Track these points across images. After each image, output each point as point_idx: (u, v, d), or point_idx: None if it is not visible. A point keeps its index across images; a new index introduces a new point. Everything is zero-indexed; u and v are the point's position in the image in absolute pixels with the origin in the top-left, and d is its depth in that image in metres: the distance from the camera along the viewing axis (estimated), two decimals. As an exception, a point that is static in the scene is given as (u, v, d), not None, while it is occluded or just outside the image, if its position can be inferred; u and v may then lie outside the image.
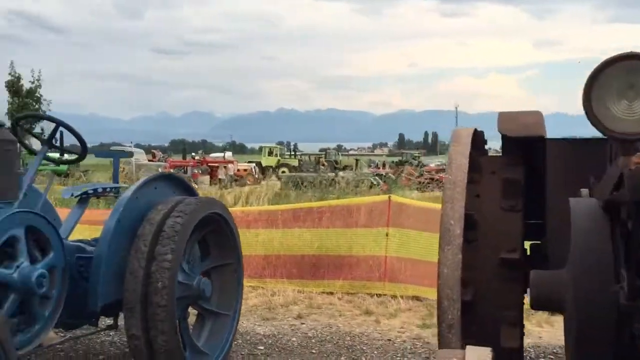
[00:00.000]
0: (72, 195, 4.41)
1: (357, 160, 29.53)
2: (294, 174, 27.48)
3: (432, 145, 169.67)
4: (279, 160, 46.47)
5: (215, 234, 4.34)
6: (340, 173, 26.26)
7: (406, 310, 5.75)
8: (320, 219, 6.88)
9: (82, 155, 4.23)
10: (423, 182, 25.60)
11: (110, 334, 4.86)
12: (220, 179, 28.60)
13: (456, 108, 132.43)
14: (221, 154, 44.44)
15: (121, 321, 4.29)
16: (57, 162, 4.48)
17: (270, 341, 4.87)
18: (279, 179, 29.70)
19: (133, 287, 3.61)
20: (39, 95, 18.32)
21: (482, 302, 2.92)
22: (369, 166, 42.24)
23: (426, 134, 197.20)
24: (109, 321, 4.16)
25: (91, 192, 4.37)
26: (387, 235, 6.27)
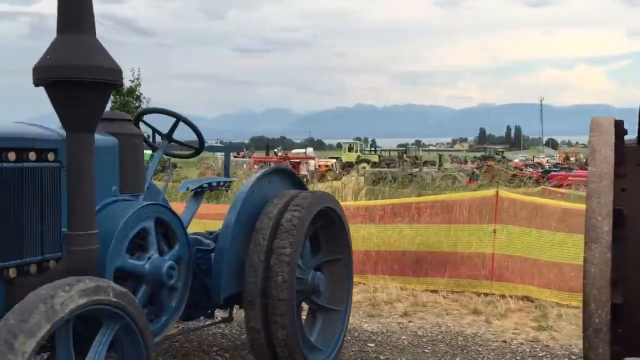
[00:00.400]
0: (187, 188, 4.48)
1: (440, 155, 28.96)
2: (377, 169, 27.25)
3: (514, 140, 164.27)
4: (359, 156, 46.38)
5: (327, 229, 4.29)
6: (425, 169, 25.81)
7: (517, 311, 5.50)
8: (420, 215, 6.73)
9: (199, 150, 4.29)
10: (511, 178, 24.76)
11: (221, 326, 4.93)
12: (302, 175, 28.84)
13: (541, 101, 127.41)
14: (302, 150, 44.90)
15: (238, 315, 4.36)
16: (174, 156, 4.57)
17: (379, 339, 4.78)
18: (362, 174, 29.64)
19: (253, 280, 3.62)
20: (138, 94, 19.15)
21: (633, 305, 2.70)
22: (452, 162, 41.35)
23: (508, 128, 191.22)
24: (221, 313, 4.21)
25: (206, 185, 4.44)
26: (494, 231, 6.03)
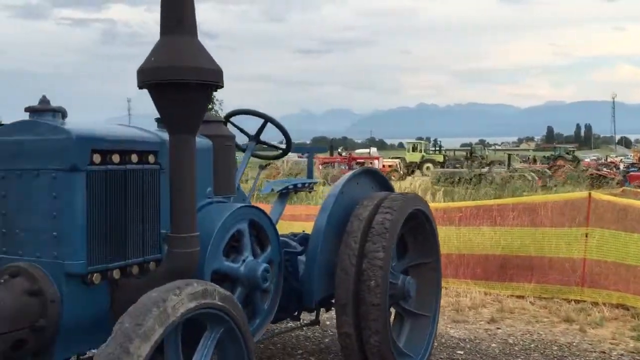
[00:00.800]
0: (272, 190, 4.46)
1: (509, 155, 28.04)
2: (445, 169, 26.73)
3: (584, 139, 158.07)
4: (423, 156, 45.75)
5: (415, 231, 4.17)
6: (494, 168, 25.10)
7: (612, 320, 5.19)
8: (502, 217, 6.48)
9: (286, 151, 4.26)
10: (584, 177, 23.76)
11: (303, 329, 4.89)
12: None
13: (613, 98, 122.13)
14: (366, 150, 44.70)
15: (327, 319, 4.29)
16: (262, 157, 4.56)
17: (468, 346, 4.61)
18: (429, 175, 29.22)
19: (345, 284, 3.54)
20: (213, 97, 19.43)
21: None
22: (521, 161, 40.17)
23: (578, 126, 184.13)
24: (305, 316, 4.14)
25: (291, 187, 4.40)
26: (586, 235, 5.73)
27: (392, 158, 41.81)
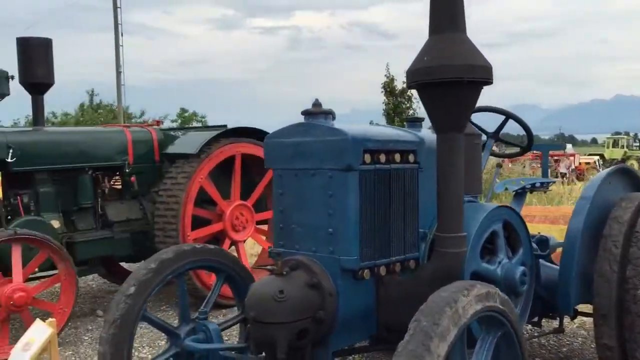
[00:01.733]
0: (505, 189, 4.30)
1: None
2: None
3: None
4: (625, 152, 41.56)
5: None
6: None
7: None
8: None
9: (526, 148, 4.07)
10: None
11: (535, 334, 4.64)
12: (562, 173, 26.74)
13: None
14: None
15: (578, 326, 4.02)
16: (499, 155, 4.43)
17: None
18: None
19: (606, 292, 3.27)
20: (410, 94, 19.72)
21: None
22: None
23: None
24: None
25: (528, 187, 4.20)
26: None
27: (589, 155, 38.53)
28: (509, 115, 3.90)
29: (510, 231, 3.25)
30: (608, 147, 42.73)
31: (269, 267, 2.71)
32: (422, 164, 2.97)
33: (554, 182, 4.47)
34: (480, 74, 2.47)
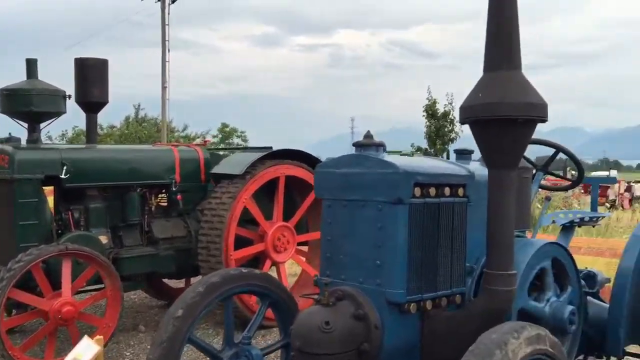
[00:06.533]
0: (553, 222, 4.22)
1: None
2: None
3: None
4: (674, 180, 40.20)
5: None
6: None
7: None
8: None
9: (577, 182, 4.00)
10: None
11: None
12: (611, 200, 26.07)
13: None
14: (605, 173, 40.70)
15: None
16: (548, 188, 4.37)
17: None
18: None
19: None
20: (452, 118, 19.66)
21: None
22: None
23: None
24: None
25: (577, 220, 4.12)
26: None
27: (636, 182, 37.33)
28: (559, 149, 3.84)
29: (559, 268, 3.19)
30: (656, 175, 41.42)
31: (315, 296, 2.72)
32: (471, 198, 2.95)
33: (604, 216, 4.38)
34: (536, 112, 2.46)
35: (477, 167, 3.09)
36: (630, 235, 3.48)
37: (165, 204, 5.98)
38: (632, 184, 31.76)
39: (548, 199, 4.14)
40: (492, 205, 2.59)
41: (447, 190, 2.83)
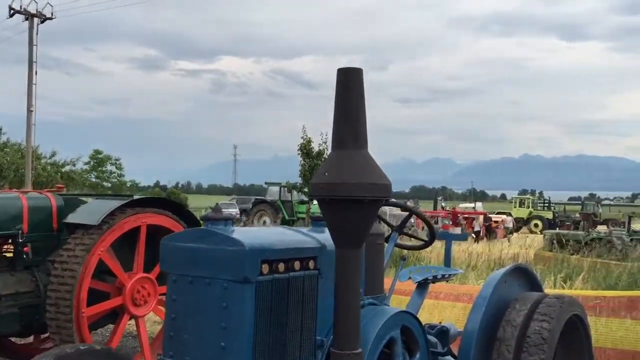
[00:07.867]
0: (409, 278, 4.34)
1: (629, 216, 25.82)
2: (557, 231, 25.16)
3: None
4: (530, 212, 43.82)
5: (567, 337, 3.86)
6: (614, 231, 23.26)
7: None
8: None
9: (429, 242, 4.14)
10: None
11: None
12: (476, 232, 27.77)
13: None
14: (471, 205, 43.49)
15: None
16: (404, 248, 4.48)
17: None
18: (541, 232, 27.72)
19: (499, 397, 3.32)
20: (326, 157, 19.78)
21: None
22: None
23: None
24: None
25: (431, 278, 4.27)
26: None
27: (498, 213, 40.24)
28: (412, 212, 3.97)
29: (408, 335, 3.25)
30: (515, 206, 44.90)
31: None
32: (322, 270, 2.93)
33: (460, 272, 4.58)
34: (381, 193, 2.49)
35: (329, 237, 3.08)
36: (477, 296, 3.62)
37: (11, 255, 5.48)
38: (491, 215, 34.05)
39: (403, 258, 4.24)
40: (338, 285, 2.57)
41: (296, 264, 2.79)
